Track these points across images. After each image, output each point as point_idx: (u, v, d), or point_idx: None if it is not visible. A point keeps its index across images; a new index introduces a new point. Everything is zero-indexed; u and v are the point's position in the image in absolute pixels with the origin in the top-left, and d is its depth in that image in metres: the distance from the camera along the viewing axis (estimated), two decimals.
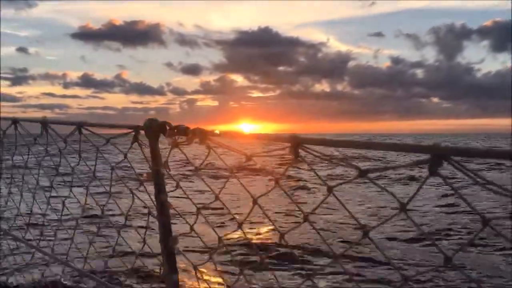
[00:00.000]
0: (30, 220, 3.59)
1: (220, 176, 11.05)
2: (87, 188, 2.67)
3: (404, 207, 1.03)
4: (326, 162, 1.21)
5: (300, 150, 1.24)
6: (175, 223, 2.14)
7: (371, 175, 1.05)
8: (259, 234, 7.23)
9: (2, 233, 3.95)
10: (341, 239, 8.13)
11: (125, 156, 2.25)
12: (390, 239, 8.45)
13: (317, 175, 1.27)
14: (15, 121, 3.24)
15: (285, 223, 8.25)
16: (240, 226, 1.69)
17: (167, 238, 2.15)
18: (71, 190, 2.89)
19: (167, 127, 1.90)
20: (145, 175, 2.10)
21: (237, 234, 6.41)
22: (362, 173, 1.06)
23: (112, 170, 2.41)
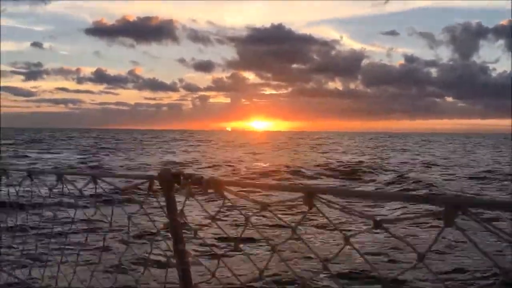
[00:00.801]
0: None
1: (238, 223, 11.02)
2: (104, 239, 2.70)
3: (421, 258, 1.04)
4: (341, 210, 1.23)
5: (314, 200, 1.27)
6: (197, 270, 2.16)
7: (386, 225, 1.07)
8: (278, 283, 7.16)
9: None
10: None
11: (141, 206, 2.29)
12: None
13: (333, 223, 1.28)
14: (30, 173, 3.30)
15: (305, 270, 8.15)
16: (261, 274, 1.70)
17: (187, 285, 2.16)
18: (86, 239, 2.92)
19: (181, 177, 1.93)
20: (161, 225, 2.13)
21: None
22: (377, 224, 1.08)
23: (129, 220, 2.43)
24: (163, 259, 2.23)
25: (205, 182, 1.76)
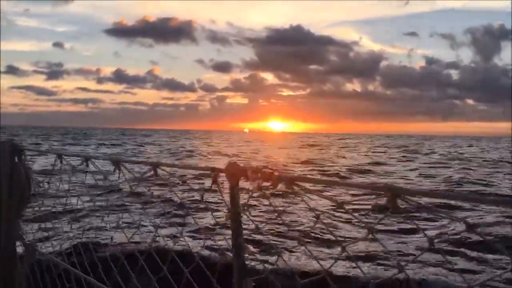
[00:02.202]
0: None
1: (304, 220, 10.89)
2: (156, 228, 2.75)
3: None
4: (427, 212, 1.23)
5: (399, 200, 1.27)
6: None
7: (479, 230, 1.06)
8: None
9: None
10: None
11: (202, 198, 2.33)
12: None
13: (417, 225, 1.28)
14: (87, 159, 3.38)
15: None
16: (326, 273, 1.70)
17: (242, 280, 2.18)
18: (140, 225, 2.97)
19: (250, 171, 1.95)
20: (224, 218, 2.15)
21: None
22: (470, 227, 1.07)
23: (187, 212, 2.48)
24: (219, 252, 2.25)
25: (276, 177, 1.77)
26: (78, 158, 3.49)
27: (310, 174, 24.56)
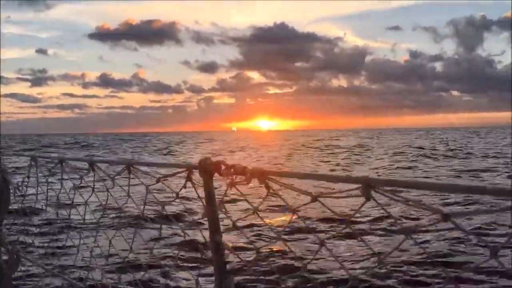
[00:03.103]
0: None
1: (281, 216, 10.80)
2: (135, 230, 2.69)
3: (494, 254, 0.99)
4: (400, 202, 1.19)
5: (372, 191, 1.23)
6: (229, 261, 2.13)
7: (455, 219, 1.03)
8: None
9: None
10: None
11: (177, 196, 2.27)
12: None
13: (393, 216, 1.24)
14: (61, 161, 3.30)
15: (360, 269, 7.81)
16: (304, 268, 1.67)
17: (223, 278, 2.14)
18: (118, 229, 2.91)
19: (223, 166, 1.90)
20: (200, 215, 2.10)
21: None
22: (445, 217, 1.04)
23: (163, 209, 2.42)
24: (197, 250, 2.20)
25: (249, 172, 1.73)
26: (53, 159, 3.42)
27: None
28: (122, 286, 3.01)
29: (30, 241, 4.16)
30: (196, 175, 2.08)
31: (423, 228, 9.13)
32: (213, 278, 2.12)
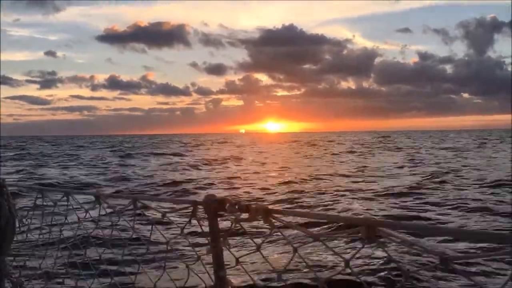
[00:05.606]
0: None
1: (284, 253, 10.64)
2: (139, 264, 2.70)
3: None
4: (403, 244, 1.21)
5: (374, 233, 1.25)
6: None
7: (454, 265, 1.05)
8: None
9: None
10: None
11: (182, 231, 2.29)
12: None
13: (392, 259, 1.26)
14: (68, 194, 3.34)
15: None
16: None
17: None
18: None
19: (227, 204, 1.93)
20: (205, 251, 2.12)
21: None
22: (444, 261, 1.06)
23: (167, 245, 2.44)
24: (202, 286, 2.21)
25: (253, 209, 1.75)
26: (59, 191, 3.46)
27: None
28: None
29: (33, 273, 4.16)
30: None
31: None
32: None
